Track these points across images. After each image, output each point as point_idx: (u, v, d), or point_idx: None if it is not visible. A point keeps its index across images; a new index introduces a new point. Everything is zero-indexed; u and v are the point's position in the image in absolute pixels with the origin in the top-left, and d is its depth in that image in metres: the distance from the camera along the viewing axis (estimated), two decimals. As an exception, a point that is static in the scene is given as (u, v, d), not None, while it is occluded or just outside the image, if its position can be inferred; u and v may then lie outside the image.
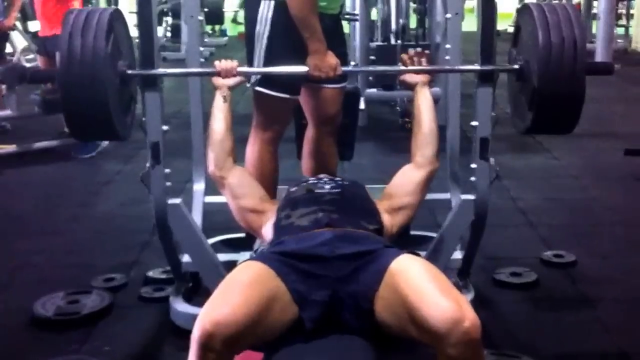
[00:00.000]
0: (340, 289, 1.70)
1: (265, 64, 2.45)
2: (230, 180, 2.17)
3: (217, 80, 2.21)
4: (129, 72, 2.14)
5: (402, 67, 2.27)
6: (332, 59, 2.33)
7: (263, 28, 2.44)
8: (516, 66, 2.16)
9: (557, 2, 2.28)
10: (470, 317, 1.49)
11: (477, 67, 2.21)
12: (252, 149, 2.57)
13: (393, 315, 1.63)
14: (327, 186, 2.13)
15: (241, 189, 2.17)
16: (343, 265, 1.73)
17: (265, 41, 2.44)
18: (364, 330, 1.69)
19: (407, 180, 2.18)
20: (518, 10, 2.24)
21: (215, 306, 1.54)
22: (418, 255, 1.80)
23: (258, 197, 2.18)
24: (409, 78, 2.26)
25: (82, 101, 1.97)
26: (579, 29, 2.01)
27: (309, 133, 2.69)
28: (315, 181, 2.17)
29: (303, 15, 2.32)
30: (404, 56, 2.31)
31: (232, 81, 2.21)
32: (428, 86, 2.27)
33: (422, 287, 1.58)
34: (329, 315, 1.69)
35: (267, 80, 2.48)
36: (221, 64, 2.20)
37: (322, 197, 2.05)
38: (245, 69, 2.29)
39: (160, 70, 2.20)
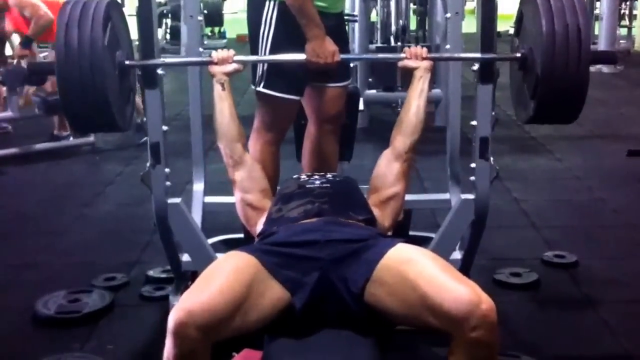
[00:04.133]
0: (330, 271, 1.71)
1: (270, 65, 2.45)
2: (242, 173, 2.17)
3: (213, 68, 2.20)
4: (128, 62, 2.12)
5: (404, 55, 2.24)
6: (330, 45, 2.31)
7: (267, 29, 2.45)
8: (518, 54, 2.13)
9: None
10: (486, 300, 1.52)
11: (478, 55, 2.19)
12: (253, 150, 2.57)
13: (399, 302, 1.64)
14: (318, 182, 2.15)
15: (249, 182, 2.17)
16: (335, 249, 1.75)
17: (269, 42, 2.44)
18: (354, 316, 1.70)
19: (388, 171, 2.17)
20: None
21: (190, 296, 1.58)
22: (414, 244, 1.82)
23: (261, 192, 2.18)
24: (411, 62, 2.23)
25: (80, 93, 1.94)
26: (583, 17, 1.97)
27: (310, 131, 2.69)
28: (306, 177, 2.19)
29: (300, 3, 2.33)
30: (407, 48, 2.28)
31: (228, 68, 2.19)
32: (429, 74, 2.23)
33: (435, 274, 1.61)
34: (320, 299, 1.70)
35: (270, 81, 2.48)
36: (218, 53, 2.21)
37: (313, 190, 2.07)
38: (241, 57, 2.27)
39: (159, 60, 2.18)
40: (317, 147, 2.68)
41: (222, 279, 1.63)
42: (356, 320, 1.71)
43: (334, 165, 2.74)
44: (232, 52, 2.21)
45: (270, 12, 2.44)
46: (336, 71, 2.39)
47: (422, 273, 1.62)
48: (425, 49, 2.24)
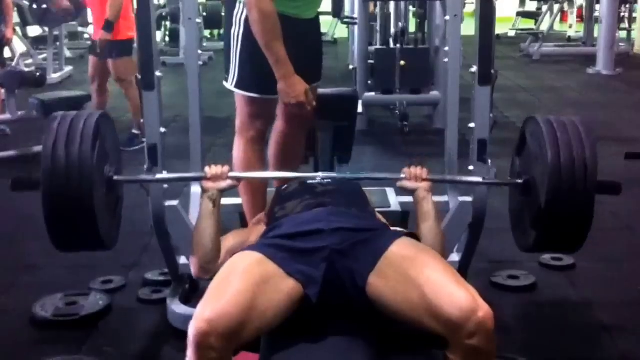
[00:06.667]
0: (337, 262, 1.72)
1: (241, 64, 2.48)
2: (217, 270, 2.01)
3: (207, 184, 2.07)
4: (116, 178, 2.05)
5: (403, 175, 2.13)
6: (300, 83, 2.33)
7: (237, 29, 2.46)
8: (520, 181, 2.07)
9: (565, 118, 2.18)
10: (484, 308, 1.52)
11: (480, 179, 2.18)
12: (237, 151, 2.60)
13: (399, 297, 1.64)
14: (319, 178, 2.16)
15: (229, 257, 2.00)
16: (340, 238, 1.75)
17: (240, 42, 2.46)
18: (356, 309, 1.71)
19: None
20: (525, 122, 2.13)
21: (207, 304, 1.55)
22: (418, 238, 1.84)
23: (250, 243, 2.02)
24: (410, 184, 2.12)
25: (66, 212, 1.88)
26: (589, 147, 1.92)
27: (277, 126, 2.69)
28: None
29: (266, 42, 2.34)
30: (406, 169, 2.16)
31: (222, 185, 2.08)
32: (430, 194, 2.09)
33: (436, 275, 1.61)
34: (329, 289, 1.70)
35: (242, 81, 2.50)
36: (212, 170, 2.10)
37: (315, 187, 2.09)
38: (236, 174, 2.17)
39: (149, 176, 2.16)
40: (283, 141, 2.69)
41: (236, 282, 1.62)
42: (358, 314, 1.71)
43: (298, 160, 2.77)
44: (226, 168, 2.12)
45: (240, 13, 2.46)
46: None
47: (424, 272, 1.63)
48: (425, 170, 2.13)
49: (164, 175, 2.21)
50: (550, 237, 2.00)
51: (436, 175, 2.19)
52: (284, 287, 1.67)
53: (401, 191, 2.17)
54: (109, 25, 4.85)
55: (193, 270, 2.06)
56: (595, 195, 1.93)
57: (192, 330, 1.51)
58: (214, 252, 2.01)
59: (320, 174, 2.24)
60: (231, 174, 2.11)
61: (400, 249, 1.72)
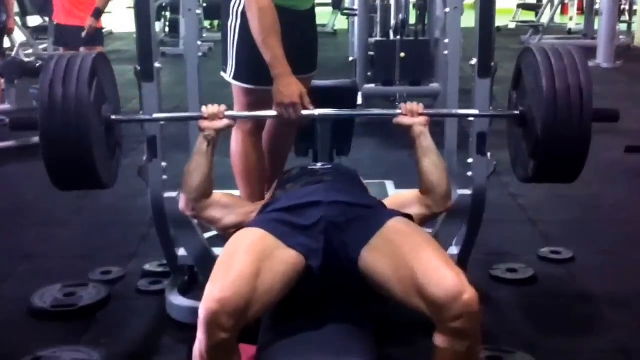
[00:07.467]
0: (333, 235, 1.74)
1: (238, 55, 2.48)
2: (203, 215, 2.09)
3: (204, 123, 2.09)
4: (114, 117, 2.05)
5: (399, 111, 2.14)
6: (296, 85, 2.28)
7: (234, 21, 2.46)
8: (517, 112, 2.08)
9: (560, 47, 2.18)
10: (470, 290, 1.55)
11: (476, 112, 2.18)
12: (235, 142, 2.60)
13: (390, 272, 1.67)
14: (319, 164, 2.19)
15: (217, 212, 2.07)
16: (336, 211, 1.78)
17: (236, 33, 2.46)
18: (350, 284, 1.74)
19: (407, 208, 2.05)
20: (520, 54, 2.13)
21: (215, 284, 1.58)
22: (413, 220, 1.87)
23: (240, 211, 2.07)
24: (406, 120, 2.12)
25: (64, 151, 1.87)
26: (584, 75, 1.92)
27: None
28: (308, 163, 2.22)
29: (263, 39, 2.32)
30: (402, 104, 2.18)
31: (219, 124, 2.09)
32: (427, 128, 2.11)
33: (426, 254, 1.64)
34: (329, 264, 1.72)
35: (240, 72, 2.50)
36: (208, 109, 2.11)
37: (315, 172, 2.11)
38: (232, 112, 2.19)
39: (145, 116, 2.17)
40: (274, 133, 2.72)
41: (241, 260, 1.64)
42: (354, 294, 1.74)
43: (288, 150, 2.81)
44: (223, 107, 2.12)
45: (237, 5, 2.46)
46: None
47: (415, 252, 1.65)
48: (421, 105, 2.14)
49: (161, 114, 2.22)
50: (549, 165, 2.00)
51: (432, 110, 2.19)
52: (287, 259, 1.70)
53: (398, 128, 2.14)
54: (98, 13, 4.99)
55: (180, 204, 2.11)
56: (591, 123, 1.93)
57: (202, 311, 1.53)
58: (200, 192, 2.05)
59: (316, 111, 2.24)
60: (227, 113, 2.13)
61: (395, 227, 1.76)
